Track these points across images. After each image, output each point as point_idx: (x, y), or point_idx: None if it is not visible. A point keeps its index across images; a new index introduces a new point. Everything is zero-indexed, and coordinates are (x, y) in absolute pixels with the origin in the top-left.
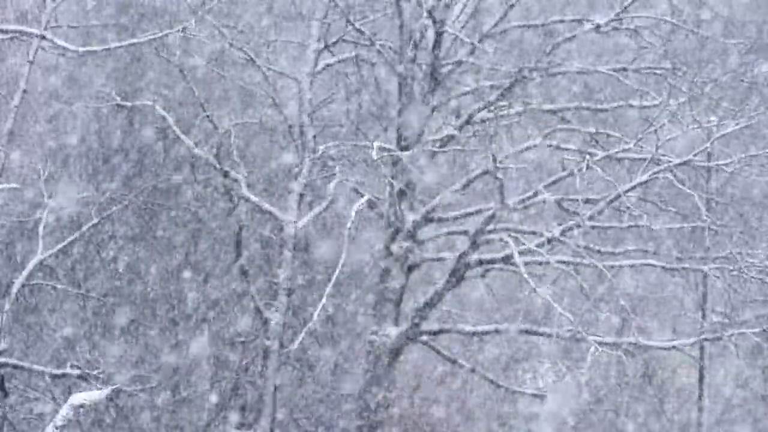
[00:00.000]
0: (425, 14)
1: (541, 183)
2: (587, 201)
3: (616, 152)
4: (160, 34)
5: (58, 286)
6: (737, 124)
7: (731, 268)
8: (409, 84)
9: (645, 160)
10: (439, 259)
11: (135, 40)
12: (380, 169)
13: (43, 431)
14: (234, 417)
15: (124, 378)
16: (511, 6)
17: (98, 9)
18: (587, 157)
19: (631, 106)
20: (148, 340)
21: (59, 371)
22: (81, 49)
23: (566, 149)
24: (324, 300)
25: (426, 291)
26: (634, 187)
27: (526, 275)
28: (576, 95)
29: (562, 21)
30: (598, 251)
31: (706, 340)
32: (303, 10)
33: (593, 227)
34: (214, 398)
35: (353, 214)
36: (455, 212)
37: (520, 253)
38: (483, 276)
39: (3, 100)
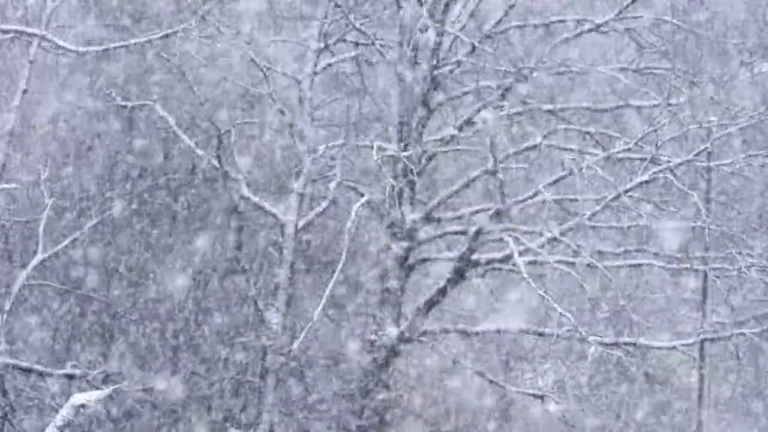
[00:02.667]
0: (425, 14)
1: (541, 183)
2: (587, 201)
3: (616, 152)
4: (161, 34)
5: (58, 286)
6: (737, 124)
7: (731, 268)
8: (409, 84)
9: (645, 160)
10: (439, 259)
11: (135, 40)
12: (380, 169)
13: (43, 431)
14: (234, 417)
15: (124, 378)
16: (511, 6)
17: (98, 9)
18: (587, 157)
19: (630, 106)
20: (147, 340)
21: (59, 371)
22: (81, 49)
23: (566, 149)
24: (324, 300)
25: (426, 291)
26: (634, 187)
27: (526, 275)
28: (576, 95)
29: (562, 21)
30: (598, 251)
31: (706, 340)
32: (303, 10)
33: (593, 227)
34: (214, 398)
35: (353, 214)
36: (455, 212)
37: (520, 253)
38: (483, 276)
39: (3, 100)
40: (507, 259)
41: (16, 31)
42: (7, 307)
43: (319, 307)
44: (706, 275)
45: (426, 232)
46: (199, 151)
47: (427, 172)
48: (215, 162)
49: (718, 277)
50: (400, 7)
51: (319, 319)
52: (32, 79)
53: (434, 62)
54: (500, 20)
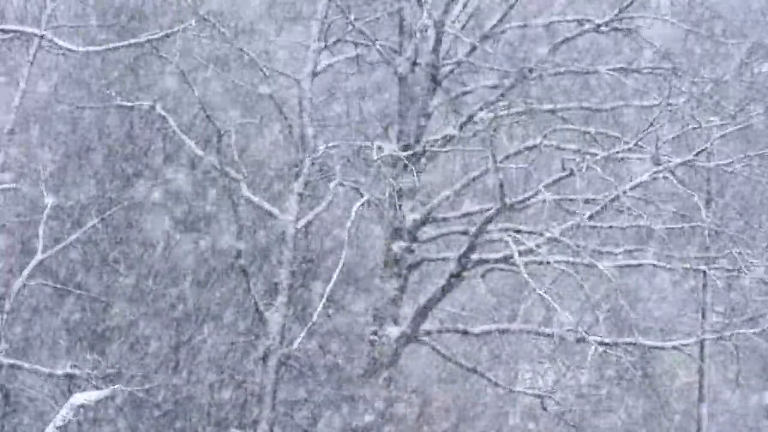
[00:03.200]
0: (425, 14)
1: (540, 183)
2: (587, 201)
3: (616, 152)
4: (161, 34)
5: (58, 286)
6: (737, 125)
7: (731, 268)
8: (409, 84)
9: (645, 160)
10: (439, 259)
11: (135, 40)
12: (380, 169)
13: (43, 431)
14: (234, 417)
15: (124, 378)
16: (511, 6)
17: (98, 9)
18: (587, 157)
19: (631, 106)
20: (148, 340)
21: (59, 371)
22: (81, 49)
23: (566, 149)
24: (324, 300)
25: (426, 291)
26: (634, 187)
27: (526, 275)
28: (576, 95)
29: (562, 21)
30: (598, 251)
31: (706, 340)
32: (303, 10)
33: (593, 227)
34: (214, 398)
35: (353, 214)
36: (455, 212)
37: (520, 253)
38: (483, 276)
39: (3, 100)
40: (507, 259)
41: (16, 31)
42: (7, 307)
43: (319, 307)
44: (705, 275)
45: (426, 232)
46: (200, 152)
47: (427, 172)
48: (215, 162)
49: (718, 277)
50: (400, 8)
51: (318, 319)
52: (32, 78)
53: (434, 62)
54: (500, 20)
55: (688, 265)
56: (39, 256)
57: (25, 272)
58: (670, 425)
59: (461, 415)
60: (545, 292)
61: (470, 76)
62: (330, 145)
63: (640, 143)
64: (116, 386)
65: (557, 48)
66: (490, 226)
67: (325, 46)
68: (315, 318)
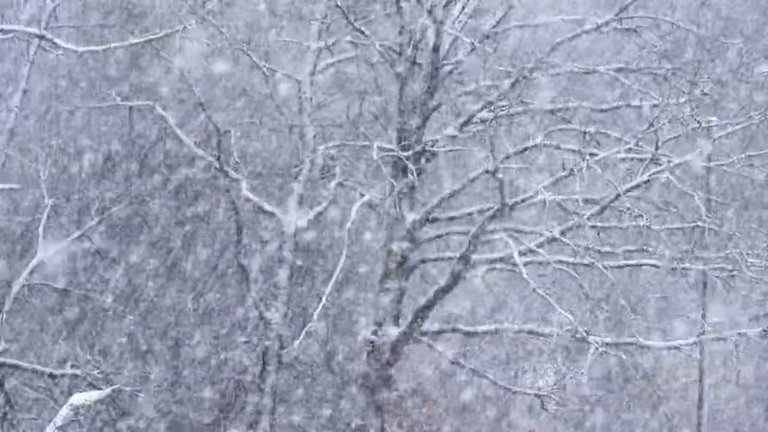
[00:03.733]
0: (425, 14)
1: (540, 183)
2: (587, 201)
3: (616, 152)
4: (161, 34)
5: (58, 286)
6: (737, 124)
7: (731, 268)
8: (409, 84)
9: (645, 160)
10: (439, 259)
11: (135, 40)
12: (380, 169)
13: (43, 431)
14: (234, 418)
15: (124, 378)
16: (511, 6)
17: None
18: (587, 157)
19: (630, 106)
20: (148, 340)
21: (59, 371)
22: (81, 49)
23: (566, 149)
24: (324, 300)
25: (426, 291)
26: (634, 187)
27: (526, 275)
28: (576, 95)
29: (562, 21)
30: (598, 251)
31: (706, 340)
32: (303, 10)
33: (593, 227)
34: (214, 399)
35: (353, 214)
36: (455, 212)
37: (520, 253)
38: (483, 276)
39: (3, 100)
40: (507, 259)
41: (16, 31)
42: (6, 307)
43: (319, 307)
44: (706, 275)
45: (426, 232)
46: (200, 152)
47: (427, 172)
48: (215, 162)
49: (718, 277)
50: (400, 7)
51: (318, 319)
52: (32, 78)
53: (434, 62)
54: (500, 20)
55: (688, 265)
56: (39, 256)
57: (25, 272)
58: (670, 425)
59: (461, 415)
60: (545, 292)
61: (470, 76)
62: (330, 145)
63: (640, 143)
64: (116, 386)
65: (557, 48)
66: (490, 226)
67: (326, 46)
68: (315, 318)
